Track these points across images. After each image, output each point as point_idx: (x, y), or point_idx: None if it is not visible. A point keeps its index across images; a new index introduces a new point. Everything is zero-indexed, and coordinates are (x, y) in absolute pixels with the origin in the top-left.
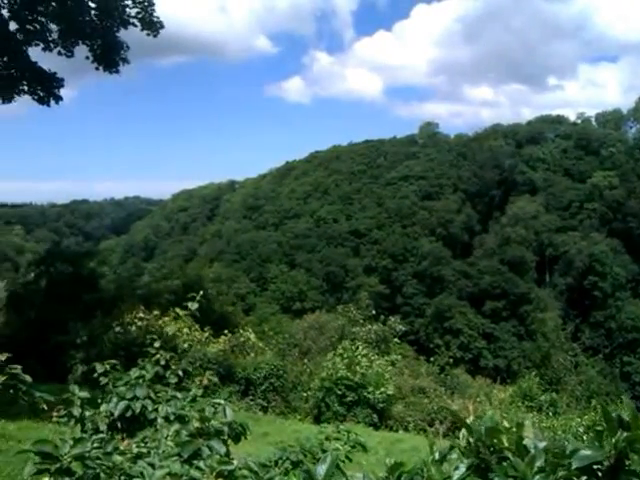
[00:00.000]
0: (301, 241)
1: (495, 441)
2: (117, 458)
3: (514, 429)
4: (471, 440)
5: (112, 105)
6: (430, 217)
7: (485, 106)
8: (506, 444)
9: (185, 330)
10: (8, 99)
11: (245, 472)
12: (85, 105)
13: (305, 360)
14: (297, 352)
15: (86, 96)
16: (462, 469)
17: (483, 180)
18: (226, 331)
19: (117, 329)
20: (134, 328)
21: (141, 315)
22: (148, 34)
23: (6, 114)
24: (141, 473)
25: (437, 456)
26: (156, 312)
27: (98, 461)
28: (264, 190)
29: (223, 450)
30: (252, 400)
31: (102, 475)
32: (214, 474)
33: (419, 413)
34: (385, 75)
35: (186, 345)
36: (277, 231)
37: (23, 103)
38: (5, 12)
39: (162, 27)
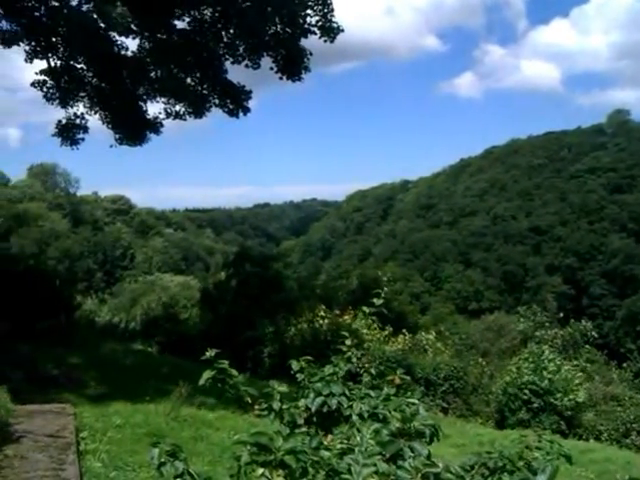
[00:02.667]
0: (477, 239)
1: None
2: (324, 453)
3: None
4: None
5: (289, 113)
6: (621, 212)
7: None
8: None
9: (365, 330)
10: (199, 115)
11: (450, 476)
12: (265, 114)
13: (483, 362)
14: (475, 353)
15: (265, 105)
16: None
17: None
18: (404, 330)
19: (300, 326)
20: (317, 325)
21: (322, 314)
22: (325, 40)
23: (195, 126)
24: (348, 470)
25: None
26: (337, 311)
27: (306, 455)
28: (438, 188)
29: (425, 452)
30: (432, 401)
31: (310, 469)
32: (419, 476)
33: (612, 422)
34: (563, 63)
35: (366, 344)
36: (452, 229)
37: (209, 115)
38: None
39: (341, 31)
